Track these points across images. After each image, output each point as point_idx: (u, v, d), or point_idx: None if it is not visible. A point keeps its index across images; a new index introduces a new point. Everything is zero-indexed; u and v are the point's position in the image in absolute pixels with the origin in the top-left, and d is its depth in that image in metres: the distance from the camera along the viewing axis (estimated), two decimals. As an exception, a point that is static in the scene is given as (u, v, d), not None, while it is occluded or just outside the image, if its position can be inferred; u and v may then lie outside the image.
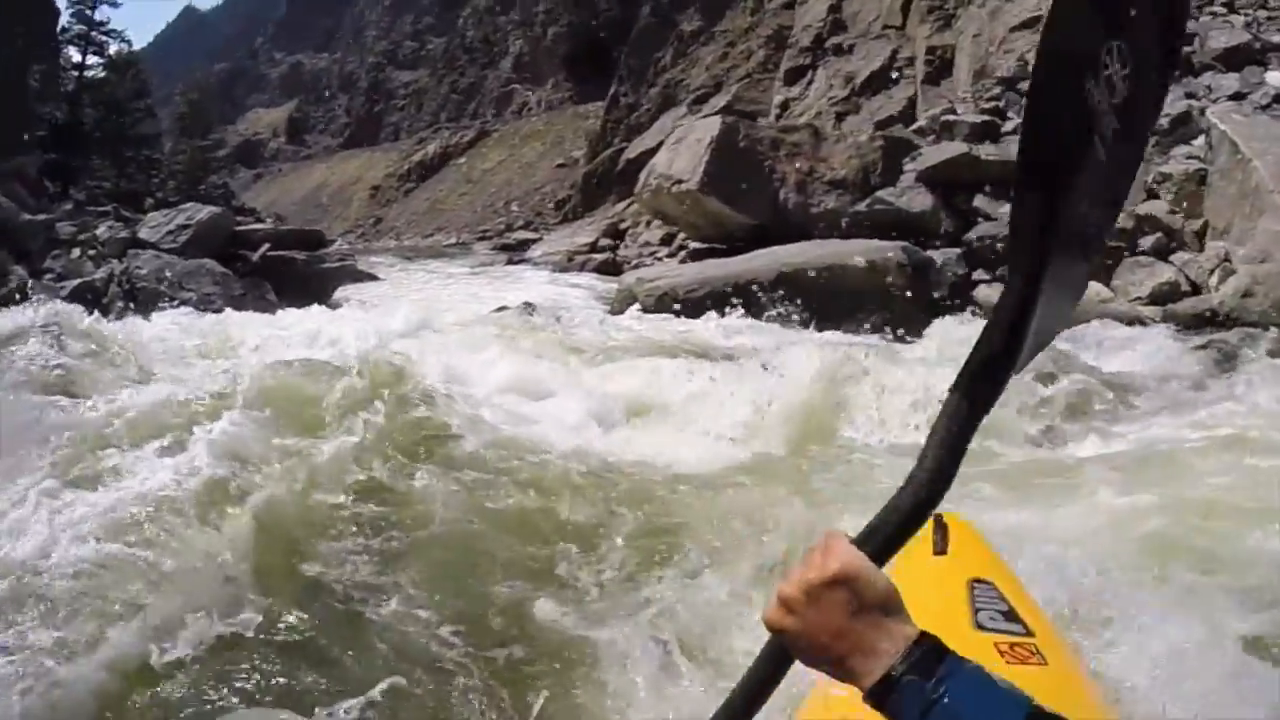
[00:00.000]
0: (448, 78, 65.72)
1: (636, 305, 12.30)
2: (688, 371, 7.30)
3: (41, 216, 15.41)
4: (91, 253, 14.40)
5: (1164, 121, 15.54)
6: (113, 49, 32.04)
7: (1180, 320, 10.75)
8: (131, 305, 12.17)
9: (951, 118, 18.12)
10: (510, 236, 36.70)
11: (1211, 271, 12.07)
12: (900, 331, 9.38)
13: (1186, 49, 17.51)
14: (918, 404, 5.95)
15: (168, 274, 12.91)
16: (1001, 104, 18.82)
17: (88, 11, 30.78)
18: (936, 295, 11.50)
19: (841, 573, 0.93)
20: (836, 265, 11.50)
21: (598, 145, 38.17)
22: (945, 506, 1.08)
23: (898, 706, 0.89)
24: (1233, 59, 16.99)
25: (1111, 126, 1.02)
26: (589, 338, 9.94)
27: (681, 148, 15.09)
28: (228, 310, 10.48)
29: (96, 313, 8.64)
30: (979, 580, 1.86)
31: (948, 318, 9.61)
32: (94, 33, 31.09)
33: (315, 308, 11.41)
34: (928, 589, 1.84)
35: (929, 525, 1.93)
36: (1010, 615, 1.76)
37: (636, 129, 35.54)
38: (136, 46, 39.13)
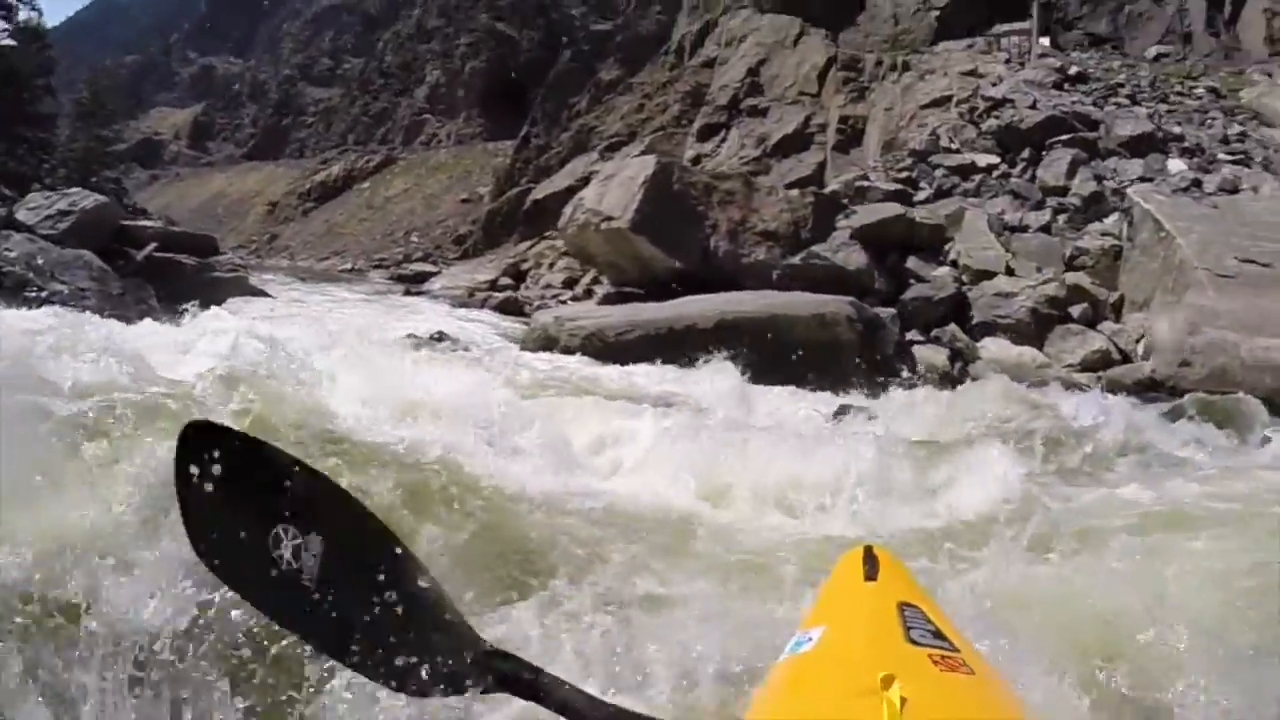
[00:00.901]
0: (360, 100, 64.13)
1: (556, 345, 11.31)
2: (601, 414, 6.72)
3: (-99, 186, 13.68)
4: (-39, 228, 12.77)
5: (1077, 200, 15.72)
6: (22, 16, 29.43)
7: (1120, 387, 10.65)
8: (-7, 291, 10.66)
9: (865, 184, 18.31)
10: (408, 267, 35.83)
11: (1137, 341, 12.19)
12: (845, 390, 8.63)
13: (1093, 134, 18.00)
14: (826, 497, 5.16)
15: (39, 261, 11.39)
16: (913, 174, 19.17)
17: (-1, -26, 28.31)
18: (882, 355, 10.84)
19: None
20: (782, 316, 10.75)
21: (505, 184, 37.59)
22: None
23: None
24: (1137, 146, 17.67)
25: None
26: (504, 372, 9.07)
27: (613, 184, 14.16)
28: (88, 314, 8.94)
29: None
30: (906, 604, 1.87)
31: (893, 384, 8.95)
32: (0, -4, 28.58)
33: (206, 311, 9.96)
34: (863, 610, 1.93)
35: (860, 554, 2.11)
36: (938, 634, 1.74)
37: (546, 170, 35.15)
38: (47, 25, 36.33)
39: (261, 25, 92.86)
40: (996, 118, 20.08)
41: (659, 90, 33.48)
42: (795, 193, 15.66)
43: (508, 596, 3.43)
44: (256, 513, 1.41)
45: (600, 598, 3.44)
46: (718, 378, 8.63)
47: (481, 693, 1.49)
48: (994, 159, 18.59)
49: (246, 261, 37.45)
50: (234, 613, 2.83)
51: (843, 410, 7.40)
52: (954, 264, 13.76)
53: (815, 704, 1.57)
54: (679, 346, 9.71)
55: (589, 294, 19.36)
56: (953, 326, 12.25)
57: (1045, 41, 25.46)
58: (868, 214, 14.37)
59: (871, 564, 2.08)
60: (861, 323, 11.09)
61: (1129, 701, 2.73)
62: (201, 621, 2.80)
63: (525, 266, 26.83)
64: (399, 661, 1.46)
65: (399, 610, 1.48)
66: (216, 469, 1.38)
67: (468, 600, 3.28)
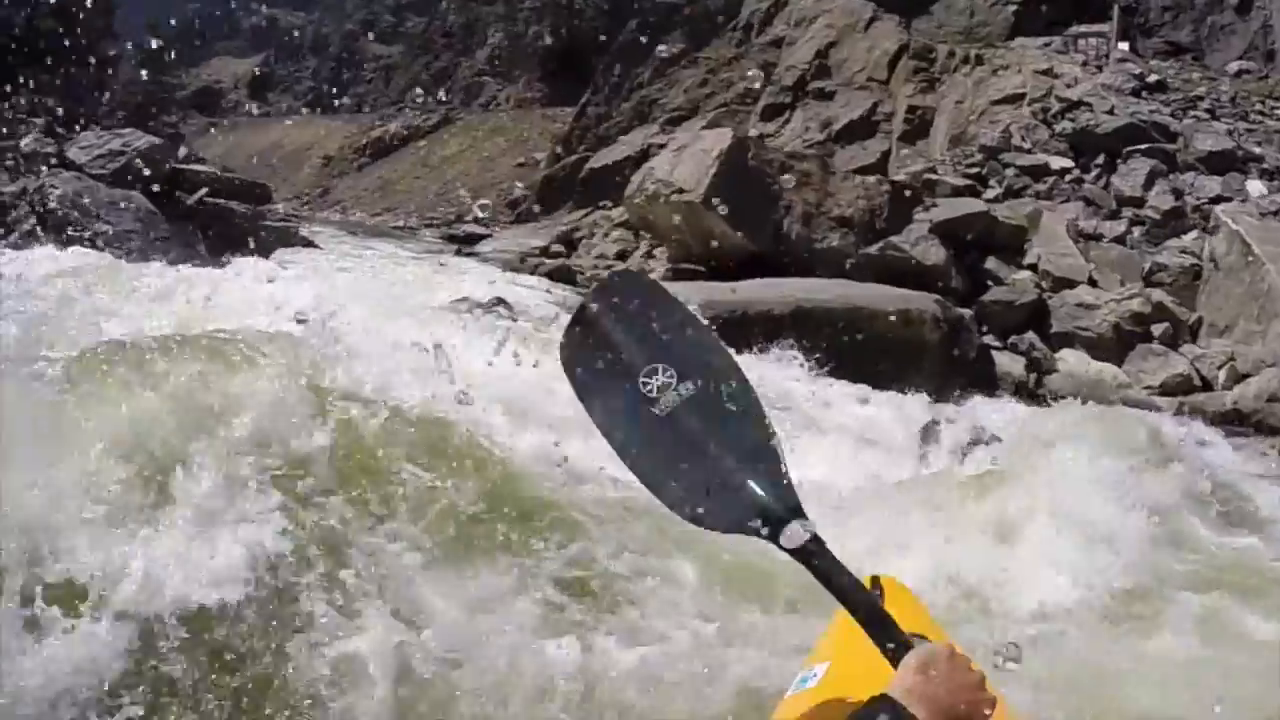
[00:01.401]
0: (421, 58, 63.70)
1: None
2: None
3: (-49, 118, 13.20)
4: (9, 163, 12.33)
5: (1154, 213, 15.04)
6: None
7: (1202, 416, 9.83)
8: (39, 229, 10.23)
9: (933, 177, 17.69)
10: (459, 228, 35.15)
11: (1219, 368, 11.39)
12: (920, 391, 7.96)
13: (1172, 146, 17.36)
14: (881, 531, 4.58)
15: (85, 200, 10.89)
16: (983, 171, 18.57)
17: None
18: (963, 359, 10.09)
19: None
20: (864, 310, 9.98)
21: (562, 150, 37.00)
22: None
23: None
24: (1216, 163, 16.96)
25: None
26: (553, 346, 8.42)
27: (685, 156, 13.36)
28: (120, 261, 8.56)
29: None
30: (917, 635, 1.73)
31: (972, 392, 8.33)
32: (62, -63, 27.93)
33: (256, 262, 9.48)
34: (868, 644, 1.76)
35: (866, 584, 2.01)
36: None
37: (604, 140, 34.32)
38: None
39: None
40: (1071, 120, 19.48)
41: (724, 66, 32.78)
42: (872, 179, 14.87)
43: (487, 556, 3.46)
44: (647, 348, 1.63)
45: (571, 573, 3.49)
46: (788, 369, 8.00)
47: (766, 539, 1.57)
48: (1068, 162, 18.01)
49: (299, 213, 37.44)
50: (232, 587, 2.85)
51: (931, 427, 6.76)
52: (1032, 268, 13.00)
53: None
54: (750, 332, 8.98)
55: (644, 268, 18.80)
56: (1031, 334, 11.57)
57: (1124, 46, 24.55)
58: (949, 208, 13.58)
59: (880, 594, 2.04)
60: (946, 323, 10.36)
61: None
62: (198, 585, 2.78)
63: (578, 235, 25.85)
64: (708, 503, 1.59)
65: (729, 462, 1.59)
66: (626, 303, 1.68)
67: (455, 554, 3.40)
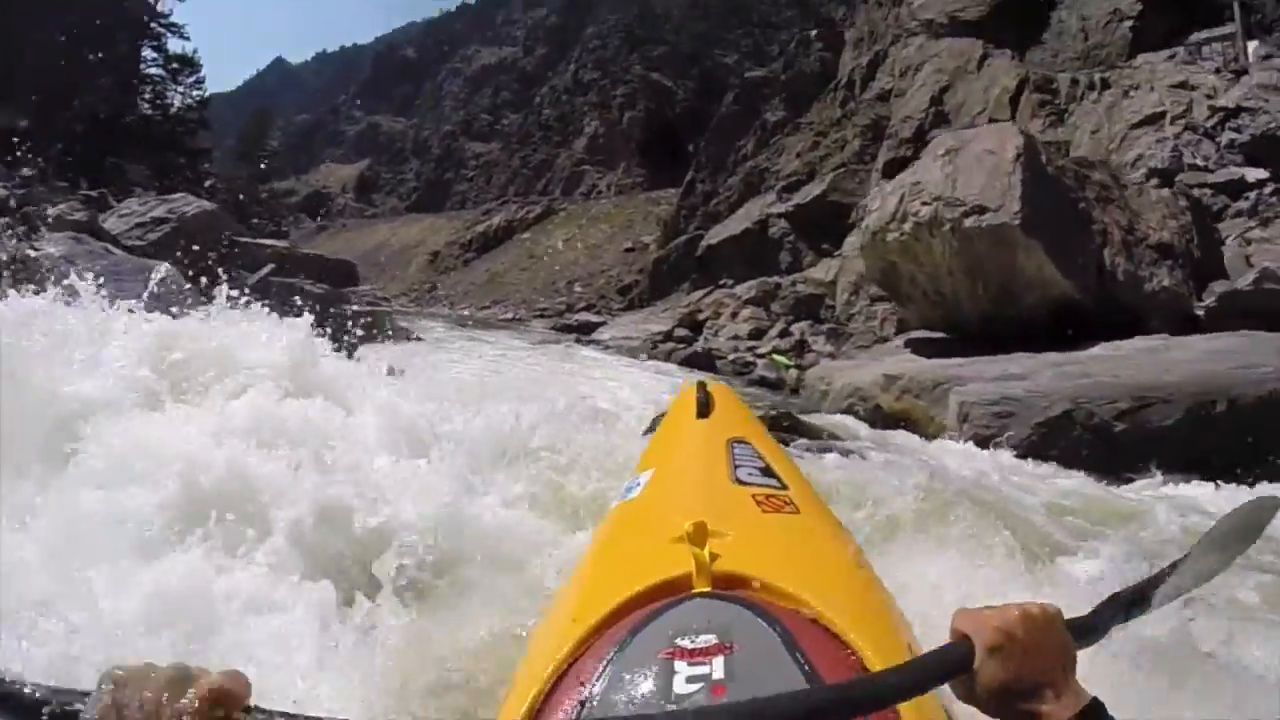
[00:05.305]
0: (519, 153, 61.90)
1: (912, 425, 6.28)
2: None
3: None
4: (22, 228, 8.97)
5: None
6: (173, 46, 25.89)
7: None
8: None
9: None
10: (571, 317, 32.93)
11: None
12: None
13: None
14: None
15: (78, 266, 7.09)
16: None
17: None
18: None
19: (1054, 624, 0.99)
20: None
21: (671, 232, 34.50)
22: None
23: None
24: None
25: None
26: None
27: (961, 163, 8.54)
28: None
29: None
30: (738, 440, 1.77)
31: None
32: (153, 24, 25.06)
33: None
34: (692, 447, 1.85)
35: (693, 391, 2.11)
36: (766, 471, 1.69)
37: (713, 217, 31.72)
38: (225, 90, 33.80)
39: (423, 85, 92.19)
40: (1235, 130, 16.18)
41: (833, 127, 29.74)
42: (1166, 192, 10.36)
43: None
44: None
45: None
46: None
47: None
48: (1262, 173, 14.65)
49: (406, 309, 35.19)
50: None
51: None
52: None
53: (635, 553, 1.49)
54: (1208, 440, 4.58)
55: (803, 347, 15.46)
56: None
57: (1254, 45, 20.47)
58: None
59: (705, 399, 2.07)
60: None
61: None
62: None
63: (702, 316, 23.46)
64: None
65: None
66: None
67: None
